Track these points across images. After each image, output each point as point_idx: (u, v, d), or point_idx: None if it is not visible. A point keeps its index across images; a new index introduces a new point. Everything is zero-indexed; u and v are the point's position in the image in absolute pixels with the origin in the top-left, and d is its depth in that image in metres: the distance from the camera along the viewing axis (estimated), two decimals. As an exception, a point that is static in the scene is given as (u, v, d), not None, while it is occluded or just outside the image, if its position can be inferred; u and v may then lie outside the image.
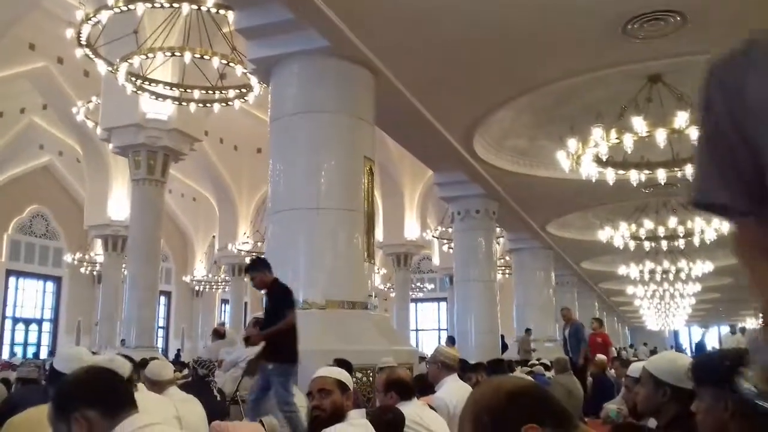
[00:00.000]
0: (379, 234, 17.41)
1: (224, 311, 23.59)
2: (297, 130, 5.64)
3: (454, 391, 3.46)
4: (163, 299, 22.46)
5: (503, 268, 19.53)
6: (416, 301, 27.03)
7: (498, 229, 14.06)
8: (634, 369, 2.72)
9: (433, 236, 17.95)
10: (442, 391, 3.56)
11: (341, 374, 2.57)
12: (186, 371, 7.42)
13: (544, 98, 7.36)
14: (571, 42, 5.65)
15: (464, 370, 6.14)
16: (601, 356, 7.56)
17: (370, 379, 5.02)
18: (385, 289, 23.76)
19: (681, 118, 6.18)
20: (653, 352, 27.80)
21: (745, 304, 24.41)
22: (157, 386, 3.52)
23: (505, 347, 13.28)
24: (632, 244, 11.93)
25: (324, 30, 5.18)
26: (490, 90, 6.72)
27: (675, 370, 2.03)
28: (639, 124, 6.32)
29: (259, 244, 16.19)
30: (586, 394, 6.89)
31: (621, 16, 5.15)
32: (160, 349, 17.43)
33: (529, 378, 6.07)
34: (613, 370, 7.31)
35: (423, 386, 3.95)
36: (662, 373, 2.09)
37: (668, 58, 6.09)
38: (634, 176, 7.57)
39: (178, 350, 21.10)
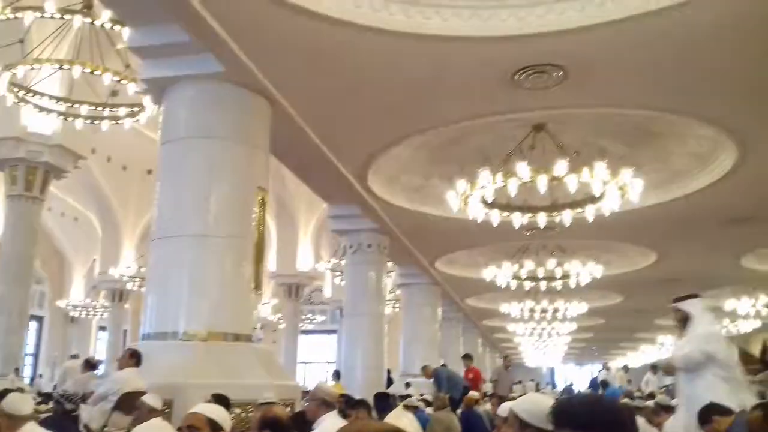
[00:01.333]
0: (271, 264, 17.19)
1: (100, 339, 22.25)
2: (188, 155, 5.50)
3: (332, 429, 3.43)
4: (34, 324, 20.91)
5: (393, 302, 19.75)
6: (306, 333, 26.70)
7: (390, 263, 14.25)
8: (503, 409, 2.81)
9: (326, 268, 17.92)
10: (320, 429, 3.53)
11: (215, 413, 2.50)
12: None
13: (438, 138, 7.62)
14: (465, 88, 5.90)
15: (347, 406, 6.12)
16: (473, 393, 7.74)
17: (249, 415, 4.89)
18: (275, 320, 23.35)
19: (561, 167, 6.54)
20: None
21: (614, 344, 26.01)
22: (14, 421, 3.26)
23: (390, 382, 13.35)
24: (514, 284, 12.42)
25: (221, 55, 5.13)
26: (386, 127, 6.87)
27: (539, 411, 2.10)
28: (523, 169, 6.62)
29: (143, 269, 15.46)
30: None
31: (509, 67, 5.44)
32: (27, 379, 16.15)
33: (408, 415, 6.15)
34: (489, 406, 7.52)
35: (302, 423, 3.90)
36: (527, 415, 2.17)
37: (551, 109, 6.48)
38: (517, 219, 7.91)
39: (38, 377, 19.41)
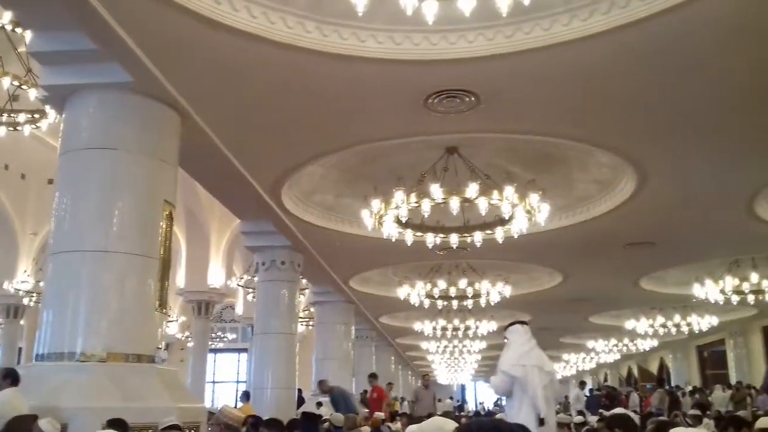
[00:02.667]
0: (180, 280, 16.63)
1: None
2: (90, 166, 5.25)
3: (233, 453, 3.33)
4: None
5: (307, 320, 19.54)
6: (217, 351, 25.98)
7: (304, 281, 14.11)
8: (409, 431, 2.79)
9: (238, 284, 17.51)
10: (222, 453, 3.42)
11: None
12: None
13: (353, 158, 7.64)
14: (379, 109, 5.96)
15: (256, 427, 5.98)
16: (378, 414, 7.73)
17: (149, 439, 4.68)
18: (183, 338, 22.59)
19: (472, 189, 6.70)
20: (459, 407, 29.29)
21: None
22: None
23: (301, 401, 13.16)
24: (427, 302, 12.57)
25: (128, 65, 4.95)
26: (300, 145, 6.82)
27: None
28: (436, 191, 6.74)
29: (41, 283, 14.59)
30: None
31: (423, 90, 5.54)
32: None
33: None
34: (399, 425, 7.54)
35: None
36: None
37: (463, 133, 6.64)
38: (430, 239, 8.03)
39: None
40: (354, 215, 8.79)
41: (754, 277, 11.67)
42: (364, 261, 11.94)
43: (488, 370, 37.53)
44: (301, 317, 18.07)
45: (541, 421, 5.10)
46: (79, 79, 5.16)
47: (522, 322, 5.97)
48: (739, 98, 5.71)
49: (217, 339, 24.36)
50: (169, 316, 19.85)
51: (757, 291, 11.99)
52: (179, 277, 16.71)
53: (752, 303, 13.29)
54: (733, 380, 18.53)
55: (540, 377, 5.25)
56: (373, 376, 12.46)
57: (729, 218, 9.22)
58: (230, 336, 26.23)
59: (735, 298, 12.45)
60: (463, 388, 48.09)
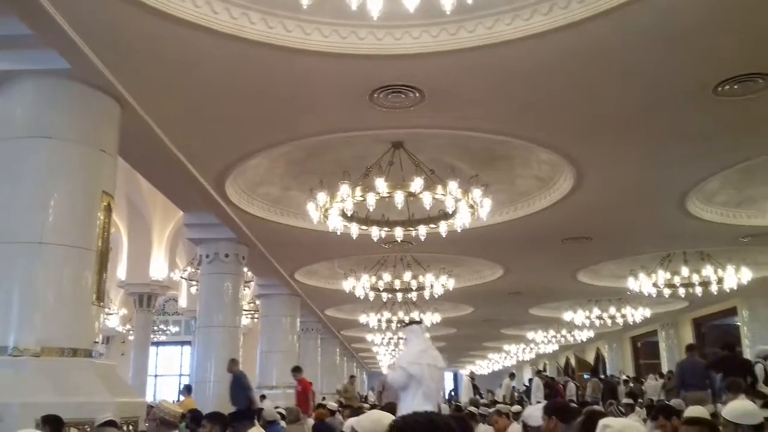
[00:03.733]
0: (121, 272, 16.24)
1: None
2: (24, 156, 5.09)
3: (172, 447, 3.31)
4: None
5: (252, 312, 19.37)
6: (159, 344, 25.50)
7: (249, 273, 13.99)
8: (347, 425, 2.80)
9: (181, 277, 17.23)
10: (159, 448, 3.39)
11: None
12: None
13: (298, 151, 7.62)
14: (324, 103, 5.96)
15: (197, 421, 5.92)
16: (331, 404, 7.74)
17: (85, 435, 4.60)
18: (124, 331, 22.07)
19: (417, 183, 6.79)
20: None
21: (464, 352, 27.18)
22: None
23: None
24: (372, 295, 12.66)
25: (66, 52, 4.81)
26: (246, 138, 6.76)
27: (378, 429, 2.11)
28: (381, 185, 6.80)
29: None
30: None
31: (368, 85, 5.57)
32: None
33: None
34: (340, 417, 7.58)
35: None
36: None
37: (409, 128, 6.71)
38: (375, 232, 8.09)
39: None
40: (300, 208, 8.78)
41: (685, 271, 12.17)
42: (309, 254, 11.92)
43: (432, 362, 37.96)
44: (246, 310, 17.92)
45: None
46: (14, 65, 5.00)
47: (417, 322, 6.55)
48: (670, 100, 5.96)
49: (160, 332, 23.89)
50: (107, 309, 19.37)
51: (688, 284, 12.52)
52: (120, 269, 16.32)
53: (683, 296, 13.89)
54: (665, 369, 19.29)
55: (431, 374, 5.87)
56: (297, 370, 12.39)
57: (662, 214, 9.60)
58: (173, 329, 25.73)
59: (667, 291, 12.98)
60: (407, 379, 48.39)
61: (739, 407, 3.61)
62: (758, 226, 10.07)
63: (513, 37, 4.82)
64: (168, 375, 27.99)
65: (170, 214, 15.13)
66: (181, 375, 26.92)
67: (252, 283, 16.25)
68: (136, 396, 6.25)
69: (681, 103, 6.01)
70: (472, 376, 23.75)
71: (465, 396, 17.85)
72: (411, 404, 5.59)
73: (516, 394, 20.54)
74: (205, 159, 7.22)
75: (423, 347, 6.16)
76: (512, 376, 20.19)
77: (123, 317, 21.70)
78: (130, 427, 5.27)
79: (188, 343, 24.19)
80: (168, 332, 25.29)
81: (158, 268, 16.34)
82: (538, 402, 12.57)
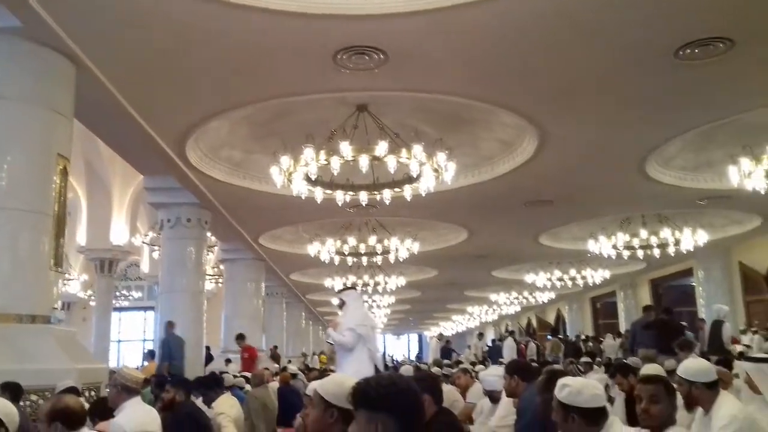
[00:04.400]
0: (81, 237, 15.92)
1: None
2: (-25, 117, 4.91)
3: (134, 415, 3.28)
4: None
5: (216, 277, 19.26)
6: (121, 310, 25.24)
7: (213, 238, 13.86)
8: (310, 388, 2.70)
9: (143, 242, 17.00)
10: (121, 416, 3.35)
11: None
12: None
13: (261, 113, 7.49)
14: (286, 65, 5.84)
15: (161, 386, 5.90)
16: (263, 370, 7.67)
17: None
18: (86, 296, 21.76)
19: (381, 147, 6.75)
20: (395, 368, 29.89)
21: (429, 315, 27.56)
22: None
23: (210, 359, 13.07)
24: (337, 259, 12.68)
25: (17, 9, 4.60)
26: (206, 99, 6.61)
27: (342, 392, 2.04)
28: (346, 148, 6.74)
29: None
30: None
31: (331, 46, 5.47)
32: None
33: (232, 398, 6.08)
34: (305, 379, 7.63)
35: (103, 411, 3.68)
36: (330, 396, 2.16)
37: (373, 91, 6.64)
38: (340, 196, 8.05)
39: None
40: (263, 172, 8.67)
41: (644, 233, 12.47)
42: (273, 218, 11.84)
43: (397, 324, 38.52)
44: (210, 274, 17.82)
45: (377, 370, 6.26)
46: (-41, 21, 4.77)
47: (353, 288, 7.14)
48: (632, 64, 6.00)
49: (122, 297, 23.62)
50: (66, 274, 19.03)
51: (646, 246, 12.83)
52: (80, 235, 16.00)
53: (641, 257, 14.25)
54: (623, 329, 19.86)
55: (374, 336, 6.42)
56: (240, 337, 12.40)
57: (622, 178, 9.76)
58: (136, 294, 25.49)
59: (626, 253, 13.30)
60: (372, 341, 49.00)
61: (693, 365, 3.72)
62: (715, 189, 10.32)
63: (478, -1, 4.77)
64: (132, 340, 27.81)
65: (130, 178, 14.82)
66: (144, 340, 26.75)
67: (216, 248, 16.12)
68: (97, 362, 6.20)
69: (643, 67, 6.06)
70: (447, 339, 24.07)
71: (432, 358, 18.18)
72: (356, 365, 5.95)
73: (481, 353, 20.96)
74: (164, 121, 7.05)
75: (363, 310, 6.62)
76: (480, 336, 20.56)
77: (84, 283, 21.37)
78: (92, 393, 5.23)
79: (152, 308, 24.00)
80: (131, 297, 25.05)
81: (119, 233, 16.06)
82: (481, 363, 12.94)
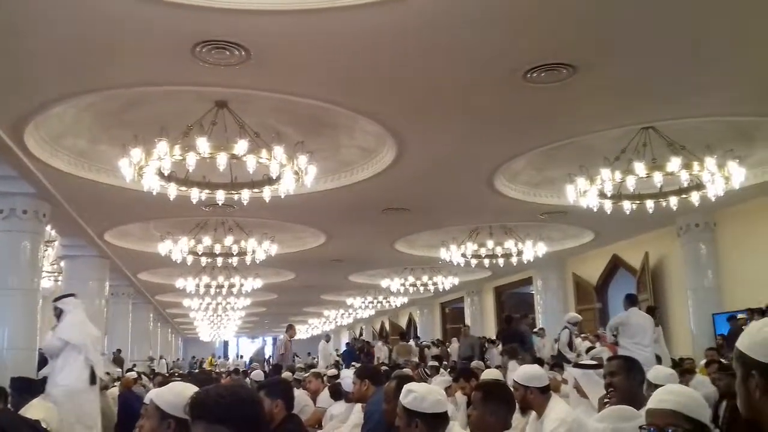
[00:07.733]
0: None
1: None
2: None
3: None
4: None
5: (56, 274, 17.85)
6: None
7: (52, 232, 12.85)
8: (147, 398, 2.47)
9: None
10: None
11: None
12: None
13: (110, 102, 7.06)
14: (138, 53, 5.54)
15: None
16: (130, 374, 7.49)
17: None
18: None
19: (241, 146, 6.61)
20: (273, 371, 28.72)
21: (285, 318, 27.26)
22: None
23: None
24: (190, 259, 12.23)
25: None
26: (48, 82, 6.12)
27: (179, 402, 1.96)
28: (203, 144, 6.54)
29: None
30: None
31: (190, 38, 5.26)
32: None
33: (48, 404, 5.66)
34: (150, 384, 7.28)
35: None
36: (167, 405, 2.06)
37: (233, 88, 6.49)
38: (195, 194, 7.77)
39: None
40: (111, 164, 8.17)
41: (490, 243, 13.25)
42: (121, 214, 11.19)
43: (252, 326, 37.80)
44: (48, 271, 16.46)
45: (93, 378, 6.39)
46: None
47: (72, 295, 7.00)
48: (485, 82, 6.34)
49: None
50: None
51: (492, 255, 13.64)
52: None
53: (487, 266, 15.08)
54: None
55: (94, 342, 6.59)
56: None
57: (472, 190, 10.27)
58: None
59: (474, 262, 14.05)
60: (225, 344, 48.00)
61: (528, 371, 3.99)
62: (554, 204, 11.14)
63: (343, 4, 4.81)
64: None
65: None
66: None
67: (56, 243, 14.96)
68: None
69: (495, 86, 6.42)
70: (354, 337, 23.70)
71: (323, 361, 17.97)
72: (69, 372, 6.16)
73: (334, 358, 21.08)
74: (-1, 103, 6.44)
75: (82, 318, 6.68)
76: (328, 338, 20.65)
77: None
78: None
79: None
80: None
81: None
82: (334, 366, 13.14)
